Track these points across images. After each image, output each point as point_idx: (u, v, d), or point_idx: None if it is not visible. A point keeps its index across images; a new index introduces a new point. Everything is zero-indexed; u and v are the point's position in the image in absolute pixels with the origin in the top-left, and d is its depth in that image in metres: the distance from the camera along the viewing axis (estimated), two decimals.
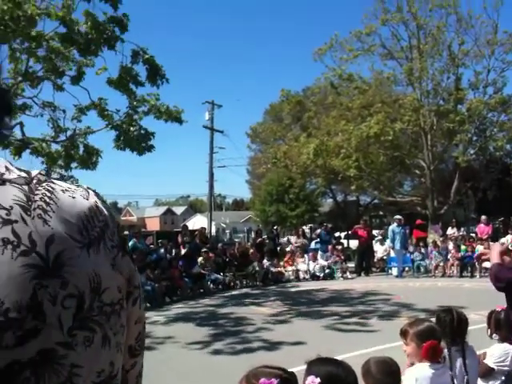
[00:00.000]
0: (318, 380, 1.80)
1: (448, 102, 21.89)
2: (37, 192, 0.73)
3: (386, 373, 2.52)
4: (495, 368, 3.30)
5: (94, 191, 0.84)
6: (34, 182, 0.75)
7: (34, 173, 0.77)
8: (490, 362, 3.33)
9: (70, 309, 0.70)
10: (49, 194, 0.74)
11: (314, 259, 16.29)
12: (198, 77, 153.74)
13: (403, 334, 2.94)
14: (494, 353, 3.34)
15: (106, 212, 0.80)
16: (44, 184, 0.76)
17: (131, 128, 11.93)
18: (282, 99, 26.55)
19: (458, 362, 3.13)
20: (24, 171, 0.76)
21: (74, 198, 0.77)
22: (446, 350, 3.17)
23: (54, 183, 0.78)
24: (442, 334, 3.13)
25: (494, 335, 3.41)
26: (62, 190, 0.77)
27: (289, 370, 1.83)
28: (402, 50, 22.39)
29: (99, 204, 0.80)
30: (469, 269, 15.35)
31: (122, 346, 0.79)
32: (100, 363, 0.73)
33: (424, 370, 2.77)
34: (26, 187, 0.73)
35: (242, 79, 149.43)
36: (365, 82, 22.78)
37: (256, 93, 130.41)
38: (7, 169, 0.74)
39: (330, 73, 23.29)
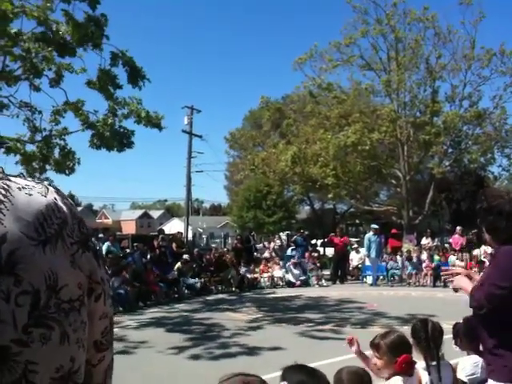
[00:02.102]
0: None
1: (424, 114, 22.26)
2: None
3: (355, 382, 2.54)
4: (467, 382, 3.35)
5: (54, 188, 0.83)
6: None
7: None
8: (463, 376, 3.38)
9: (25, 306, 0.70)
10: (3, 192, 0.74)
11: (294, 265, 16.29)
12: (178, 82, 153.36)
13: (375, 346, 2.94)
14: (465, 367, 3.39)
15: (65, 209, 0.80)
16: (0, 182, 0.76)
17: (106, 127, 11.77)
18: (261, 106, 26.65)
19: (434, 373, 3.17)
20: None
21: (30, 195, 0.77)
22: (420, 363, 3.22)
23: (10, 180, 0.77)
24: (418, 344, 3.17)
25: (454, 346, 3.47)
26: (19, 188, 0.77)
27: (265, 376, 1.83)
28: (381, 61, 22.72)
29: (58, 201, 0.80)
30: (442, 279, 15.55)
31: (84, 342, 0.79)
32: (58, 360, 0.73)
33: (398, 382, 2.80)
34: None
35: (222, 85, 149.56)
36: (343, 91, 23.04)
37: (236, 99, 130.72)
38: None
39: (309, 82, 23.52)
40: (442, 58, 22.02)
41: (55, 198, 0.80)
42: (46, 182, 0.84)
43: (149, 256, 14.32)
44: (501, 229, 2.68)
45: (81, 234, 0.81)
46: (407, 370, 2.80)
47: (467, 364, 3.38)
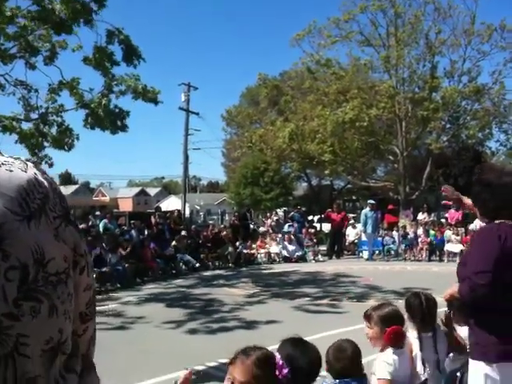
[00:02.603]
0: (286, 371, 1.86)
1: (423, 89, 22.14)
2: None
3: (336, 358, 2.60)
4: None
5: (33, 163, 0.84)
6: None
7: None
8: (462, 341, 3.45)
9: (14, 281, 0.71)
10: None
11: (290, 241, 16.42)
12: (174, 60, 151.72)
13: (367, 317, 3.00)
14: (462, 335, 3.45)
15: (46, 184, 0.80)
16: None
17: (102, 106, 11.69)
18: (259, 83, 26.45)
19: (429, 345, 3.22)
20: None
21: (11, 171, 0.77)
22: (412, 334, 3.26)
23: None
24: (412, 318, 3.21)
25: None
26: None
27: (267, 348, 1.86)
28: (380, 37, 22.50)
29: (39, 176, 0.80)
30: (437, 253, 15.72)
31: (70, 314, 0.80)
32: (48, 332, 0.75)
33: (390, 356, 2.86)
34: None
35: (219, 62, 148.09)
36: (342, 68, 22.85)
37: (233, 76, 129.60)
38: None
39: (307, 58, 23.31)
40: (441, 34, 21.85)
41: (35, 173, 0.80)
42: (23, 158, 0.84)
43: (146, 233, 14.37)
44: (486, 202, 2.67)
45: (62, 208, 0.82)
46: (395, 341, 2.85)
47: (463, 332, 3.44)
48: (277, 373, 1.81)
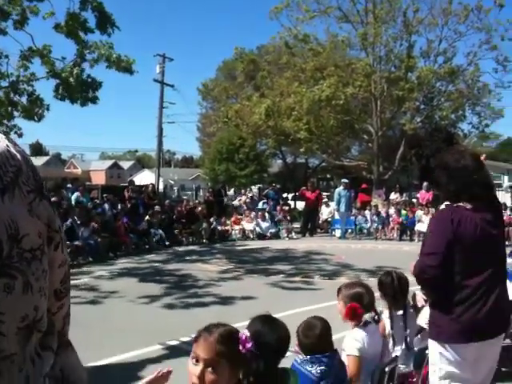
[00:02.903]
0: (247, 333, 1.88)
1: (399, 69, 22.23)
2: None
3: (306, 335, 2.65)
4: (426, 329, 3.51)
5: (4, 134, 0.80)
6: None
7: None
8: (422, 322, 3.53)
9: None
10: None
11: (264, 218, 16.50)
12: (150, 31, 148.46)
13: (338, 292, 3.14)
14: (425, 315, 3.54)
15: (18, 156, 0.77)
16: None
17: (72, 77, 11.39)
18: (235, 57, 26.13)
19: (399, 322, 3.30)
20: None
21: None
22: (385, 312, 3.33)
23: None
24: (384, 295, 3.28)
25: (421, 295, 3.60)
26: None
27: (238, 324, 1.87)
28: (358, 13, 22.39)
29: (11, 148, 0.77)
30: (408, 233, 16.02)
31: (45, 291, 0.78)
32: (23, 309, 0.73)
33: (359, 333, 2.96)
34: None
35: (197, 34, 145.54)
36: (320, 44, 22.72)
37: (209, 48, 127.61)
38: None
39: (285, 32, 23.09)
40: (419, 12, 21.83)
41: (7, 145, 0.77)
42: None
43: (119, 207, 14.23)
44: (446, 185, 2.70)
45: (35, 181, 0.79)
46: (353, 317, 2.96)
47: (427, 312, 3.53)
48: (240, 347, 1.82)
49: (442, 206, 2.76)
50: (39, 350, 0.78)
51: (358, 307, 2.95)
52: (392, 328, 3.30)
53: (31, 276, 0.73)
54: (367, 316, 2.96)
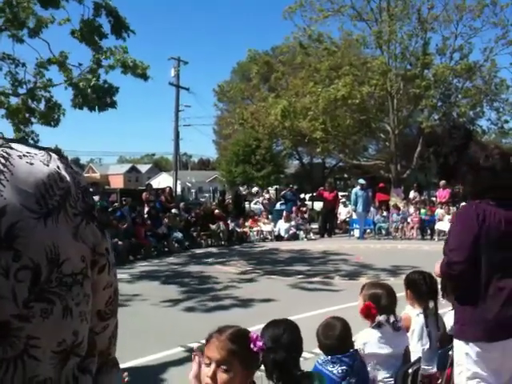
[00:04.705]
0: (260, 343, 1.89)
1: (415, 66, 22.00)
2: None
3: (326, 334, 2.64)
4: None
5: (58, 155, 0.79)
6: None
7: None
8: (448, 325, 3.50)
9: (25, 281, 0.68)
10: (3, 161, 0.70)
11: (287, 219, 16.41)
12: (164, 32, 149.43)
13: (361, 288, 3.13)
14: (449, 319, 3.50)
15: (68, 178, 0.76)
16: None
17: (89, 86, 11.47)
18: (248, 60, 26.14)
19: (432, 321, 3.28)
20: None
21: (32, 164, 0.73)
22: (413, 311, 3.31)
23: (11, 148, 0.73)
24: (418, 294, 3.27)
25: (441, 299, 3.56)
26: (19, 156, 0.72)
27: (259, 326, 1.88)
28: (372, 11, 22.24)
29: (61, 170, 0.76)
30: (428, 232, 15.85)
31: (87, 315, 0.78)
32: (61, 334, 0.72)
33: (369, 332, 2.96)
34: None
35: (211, 36, 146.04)
36: (334, 43, 22.62)
37: (224, 50, 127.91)
38: None
39: (299, 32, 23.02)
40: (433, 9, 21.61)
41: (58, 167, 0.75)
42: (49, 149, 0.79)
43: (138, 210, 14.33)
44: (472, 183, 2.66)
45: (85, 204, 0.78)
46: (367, 315, 2.95)
47: (451, 317, 3.49)
48: (251, 346, 1.82)
49: (464, 204, 2.73)
50: (77, 374, 0.77)
51: (373, 307, 2.94)
52: (427, 326, 3.27)
53: (71, 301, 0.73)
54: (382, 318, 2.95)
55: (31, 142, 12.18)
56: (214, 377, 1.75)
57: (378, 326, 2.94)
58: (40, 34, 11.44)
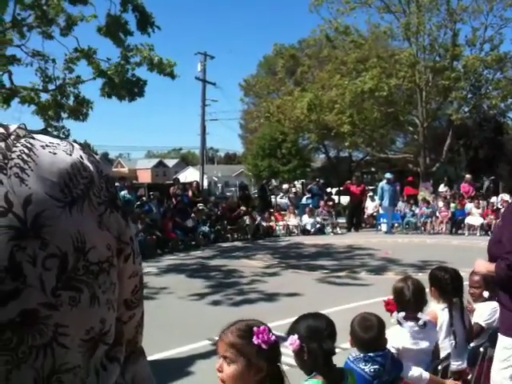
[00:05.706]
0: (297, 341, 1.88)
1: (444, 58, 21.61)
2: (14, 149, 0.70)
3: (364, 328, 2.60)
4: (485, 327, 3.40)
5: (80, 144, 0.80)
6: (12, 137, 0.71)
7: (12, 128, 0.72)
8: (481, 320, 3.43)
9: (53, 269, 0.68)
10: (27, 151, 0.70)
11: (311, 214, 16.37)
12: (191, 27, 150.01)
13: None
14: (484, 312, 3.43)
15: (91, 167, 0.76)
16: (22, 140, 0.72)
17: (118, 74, 11.61)
18: (275, 54, 26.06)
19: (458, 318, 3.23)
20: (2, 126, 0.72)
21: (55, 153, 0.73)
22: (438, 306, 3.25)
23: (33, 138, 0.73)
24: (443, 290, 3.22)
25: (485, 292, 3.48)
26: (42, 146, 0.73)
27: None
28: (400, 3, 21.90)
29: (84, 159, 0.76)
30: (458, 226, 15.57)
31: (113, 303, 0.78)
32: (89, 322, 0.73)
33: (407, 328, 2.91)
34: (2, 144, 0.69)
35: (237, 30, 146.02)
36: (361, 35, 22.36)
37: (250, 44, 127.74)
38: None
39: (325, 25, 22.84)
40: (463, 0, 21.16)
41: (81, 157, 0.76)
42: (70, 139, 0.80)
43: (166, 204, 14.48)
44: (505, 179, 2.59)
45: (108, 193, 0.78)
46: (388, 309, 2.94)
47: (486, 309, 3.42)
48: (254, 339, 1.81)
49: (500, 198, 2.66)
50: (105, 362, 0.78)
51: (390, 303, 2.92)
52: (451, 323, 3.21)
53: (98, 289, 0.73)
54: (399, 315, 2.90)
55: (62, 136, 12.42)
56: (221, 370, 1.81)
57: (400, 322, 2.90)
58: (71, 31, 11.62)
